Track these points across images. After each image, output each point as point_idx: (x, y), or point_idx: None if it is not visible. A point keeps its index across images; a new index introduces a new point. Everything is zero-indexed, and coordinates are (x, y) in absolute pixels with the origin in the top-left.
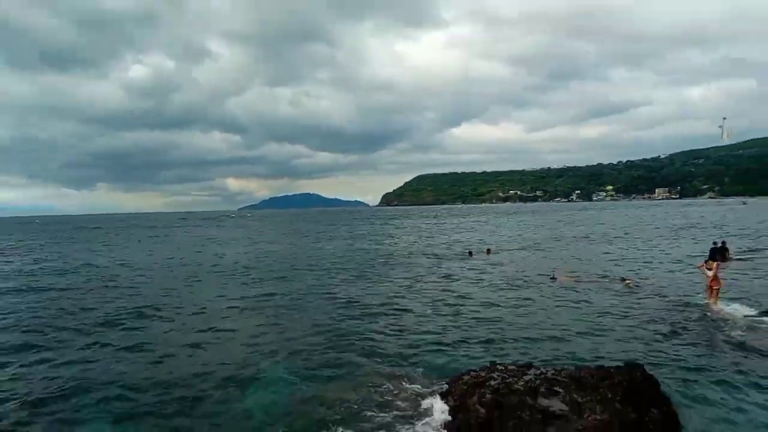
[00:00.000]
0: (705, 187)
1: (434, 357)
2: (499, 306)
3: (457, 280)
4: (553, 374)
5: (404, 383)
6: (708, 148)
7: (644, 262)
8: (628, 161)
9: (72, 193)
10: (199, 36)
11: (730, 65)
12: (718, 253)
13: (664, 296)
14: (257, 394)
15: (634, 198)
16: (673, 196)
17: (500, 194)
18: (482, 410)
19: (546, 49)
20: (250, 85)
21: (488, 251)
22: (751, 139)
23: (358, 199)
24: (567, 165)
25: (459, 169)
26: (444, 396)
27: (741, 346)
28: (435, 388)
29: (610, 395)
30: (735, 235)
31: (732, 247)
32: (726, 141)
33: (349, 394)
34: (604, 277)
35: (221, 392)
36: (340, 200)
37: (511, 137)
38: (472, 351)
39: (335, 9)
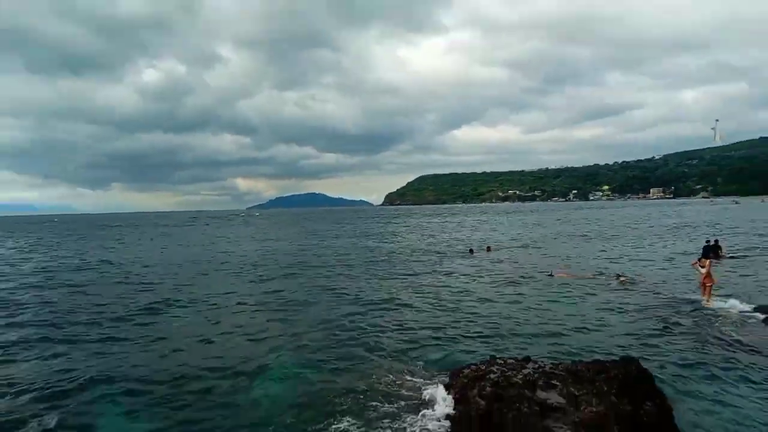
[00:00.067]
0: (698, 187)
1: (436, 351)
2: (498, 302)
3: (459, 276)
4: (550, 368)
5: (407, 376)
6: (701, 149)
7: (639, 260)
8: (623, 162)
9: (88, 192)
10: (210, 42)
11: (721, 69)
12: (711, 251)
13: (659, 293)
14: (265, 385)
15: (629, 198)
16: (667, 196)
17: (500, 194)
18: (482, 402)
19: (543, 54)
20: (259, 88)
21: (488, 249)
22: (743, 141)
23: (363, 199)
24: (564, 166)
25: (459, 170)
26: (446, 388)
27: (733, 341)
28: (437, 380)
29: (605, 388)
30: (727, 234)
31: (725, 245)
32: (718, 142)
33: (354, 385)
34: (600, 274)
35: (231, 384)
36: (344, 200)
37: (510, 139)
38: (473, 345)
39: (340, 16)
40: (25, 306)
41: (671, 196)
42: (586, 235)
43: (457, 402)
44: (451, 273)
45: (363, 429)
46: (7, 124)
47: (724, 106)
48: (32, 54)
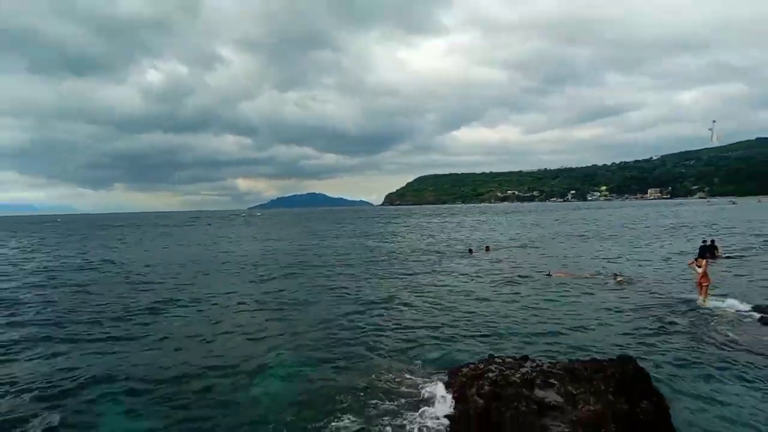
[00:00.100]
0: (695, 187)
1: (435, 350)
2: (496, 301)
3: (458, 276)
4: (548, 367)
5: (406, 375)
6: (698, 150)
7: (636, 260)
8: (621, 162)
9: (89, 192)
10: (211, 43)
11: (720, 70)
12: (708, 251)
13: (655, 292)
14: (266, 384)
15: (627, 198)
16: (664, 196)
17: (498, 194)
18: (481, 401)
19: (542, 55)
20: (260, 89)
21: (487, 249)
22: (740, 141)
23: (363, 199)
24: (563, 166)
25: (459, 170)
26: (445, 387)
27: (729, 341)
28: (436, 379)
29: (603, 387)
30: (724, 234)
31: (721, 246)
32: (716, 143)
33: (354, 384)
34: (598, 273)
35: (232, 383)
36: (345, 200)
37: (510, 139)
38: (471, 344)
39: (340, 17)
40: (27, 305)
41: (668, 196)
42: (583, 235)
43: (456, 400)
44: (450, 273)
45: (363, 426)
46: (9, 124)
47: (723, 107)
48: (34, 54)
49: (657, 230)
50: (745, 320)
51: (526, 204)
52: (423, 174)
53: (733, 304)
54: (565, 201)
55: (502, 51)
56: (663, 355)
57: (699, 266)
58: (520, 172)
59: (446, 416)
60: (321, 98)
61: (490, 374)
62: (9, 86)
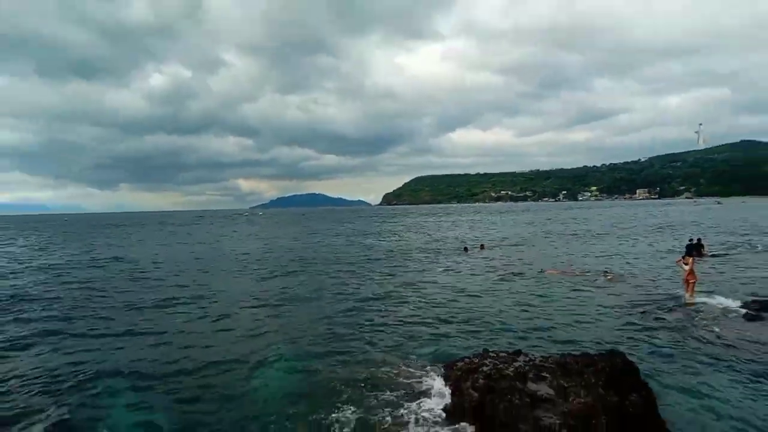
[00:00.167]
0: (682, 188)
1: (431, 344)
2: (491, 297)
3: (453, 273)
4: (540, 361)
5: (404, 368)
6: (685, 152)
7: (625, 257)
8: (611, 164)
9: (96, 192)
10: (214, 47)
11: (705, 76)
12: (694, 249)
13: (644, 289)
14: (268, 378)
15: (616, 198)
16: (652, 197)
17: (493, 194)
18: (475, 394)
19: (536, 61)
20: (262, 92)
21: (482, 247)
22: (725, 144)
23: (361, 199)
24: (554, 167)
25: (454, 171)
26: (441, 380)
27: (715, 335)
28: (432, 373)
29: (593, 380)
30: (710, 233)
31: (707, 244)
32: (702, 145)
33: (353, 377)
34: (588, 270)
35: (234, 377)
36: (344, 200)
37: (504, 141)
38: (466, 339)
39: (341, 23)
40: (36, 301)
41: (656, 196)
42: (575, 234)
43: (452, 393)
44: (446, 270)
45: (363, 416)
46: (19, 126)
47: (708, 111)
48: (41, 57)
49: (645, 229)
50: (730, 316)
51: (519, 204)
52: (420, 175)
53: (718, 300)
54: (557, 201)
55: (497, 56)
56: (651, 349)
57: (686, 264)
58: (514, 173)
59: (442, 408)
60: (322, 101)
61: (485, 368)
62: (19, 89)
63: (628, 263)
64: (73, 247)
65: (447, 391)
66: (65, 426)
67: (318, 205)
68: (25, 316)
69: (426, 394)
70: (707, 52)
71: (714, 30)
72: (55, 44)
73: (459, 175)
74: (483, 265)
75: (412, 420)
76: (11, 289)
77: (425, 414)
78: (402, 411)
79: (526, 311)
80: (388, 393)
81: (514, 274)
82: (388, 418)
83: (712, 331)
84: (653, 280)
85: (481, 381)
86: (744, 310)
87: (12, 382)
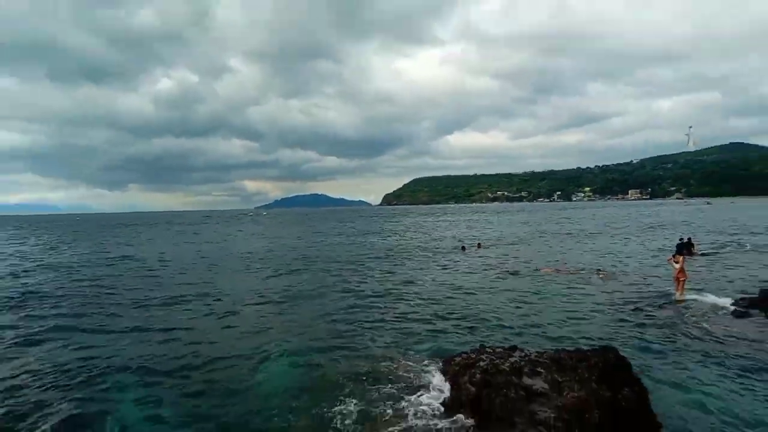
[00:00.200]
0: (673, 188)
1: (430, 340)
2: (488, 294)
3: (451, 271)
4: (535, 356)
5: (404, 363)
6: (676, 154)
7: (618, 256)
8: (603, 165)
9: (106, 193)
10: (221, 54)
11: (695, 80)
12: (685, 248)
13: (635, 286)
14: (272, 372)
15: (609, 198)
16: (644, 197)
17: (489, 195)
18: (472, 388)
19: (532, 66)
20: (266, 97)
21: (479, 246)
22: (714, 146)
23: (362, 199)
24: (549, 169)
25: (452, 173)
26: (439, 375)
27: (704, 331)
28: (431, 367)
29: (586, 375)
30: (700, 233)
31: (697, 243)
32: (692, 147)
33: (355, 371)
34: (582, 269)
35: (239, 371)
36: (345, 200)
37: (500, 144)
38: (464, 335)
39: (341, 30)
40: (47, 299)
41: (648, 197)
42: (569, 233)
43: (450, 387)
44: (445, 268)
45: (365, 408)
46: (31, 129)
47: (698, 114)
48: (53, 63)
49: (637, 229)
50: (720, 313)
51: (515, 204)
52: (418, 176)
53: (708, 297)
54: (551, 201)
55: (494, 62)
56: (643, 345)
57: (676, 262)
58: (510, 174)
59: (441, 402)
60: (323, 105)
61: (482, 363)
62: (29, 93)
63: (620, 262)
64: (84, 246)
65: (445, 385)
66: (76, 419)
67: (320, 206)
68: (36, 313)
69: (425, 388)
70: (698, 57)
71: (705, 36)
72: (66, 50)
73: (456, 176)
74: (480, 264)
75: (412, 413)
76: (23, 286)
77: (424, 407)
78: (402, 404)
79: (522, 308)
80: (389, 387)
81: (510, 273)
82: (389, 411)
83: (702, 328)
84: (645, 278)
85: (478, 376)
86: (733, 308)
87: (25, 376)
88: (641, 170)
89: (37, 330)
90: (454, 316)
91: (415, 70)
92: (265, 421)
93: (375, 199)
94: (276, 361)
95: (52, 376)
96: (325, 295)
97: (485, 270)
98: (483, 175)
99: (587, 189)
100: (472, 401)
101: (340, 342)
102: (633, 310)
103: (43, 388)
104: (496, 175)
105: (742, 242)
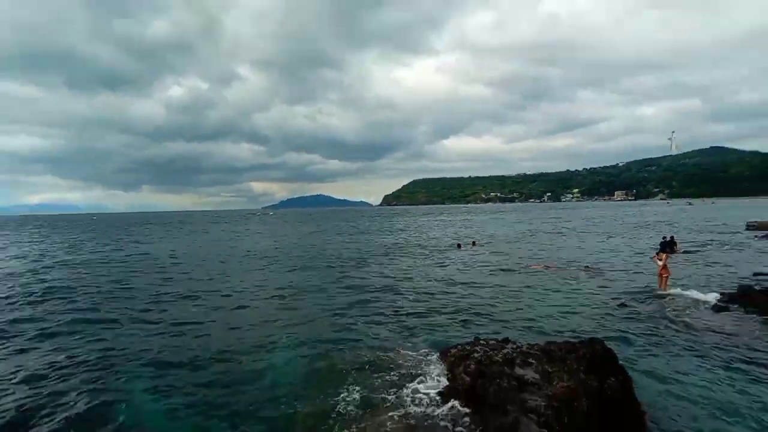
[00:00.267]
0: (656, 190)
1: (427, 333)
2: (482, 289)
3: (447, 268)
4: (527, 348)
5: (403, 353)
6: (659, 157)
7: (604, 253)
8: (591, 168)
9: (121, 194)
10: (229, 62)
11: (677, 88)
12: (668, 246)
13: (621, 282)
14: (279, 363)
15: (596, 199)
16: (629, 198)
17: (483, 196)
18: (467, 378)
19: (522, 74)
20: (273, 103)
21: (474, 243)
22: (696, 150)
23: (363, 200)
24: (540, 171)
25: (448, 175)
26: (436, 365)
27: (686, 325)
28: (428, 358)
29: (575, 366)
30: (682, 232)
31: (679, 242)
32: (674, 151)
33: (357, 361)
34: (570, 265)
35: (247, 362)
36: (347, 201)
37: (493, 147)
38: (459, 328)
39: (343, 40)
40: (65, 294)
41: (633, 198)
42: (558, 232)
43: (447, 377)
44: (441, 265)
45: (367, 396)
46: (50, 133)
47: (680, 120)
48: (72, 72)
49: (623, 228)
50: (700, 307)
51: (507, 205)
52: (416, 178)
53: (690, 293)
54: (542, 202)
55: (487, 71)
56: (628, 337)
57: (660, 259)
58: (503, 176)
59: (438, 391)
60: (326, 111)
61: (476, 354)
62: (48, 100)
63: (607, 259)
64: (100, 244)
65: (442, 375)
66: (91, 408)
67: (323, 206)
68: (55, 307)
69: (423, 377)
70: (679, 66)
71: (686, 47)
72: (83, 59)
73: (452, 178)
74: (474, 261)
75: (411, 400)
76: (43, 282)
77: (422, 395)
78: (402, 392)
79: (514, 302)
80: (389, 376)
81: (503, 269)
82: (390, 398)
83: (684, 322)
84: (630, 274)
85: (472, 366)
86: (713, 302)
87: (44, 367)
88: (627, 173)
89: (55, 323)
90: (450, 309)
91: (413, 79)
92: (273, 408)
93: (375, 199)
94: (283, 351)
95: (69, 368)
96: (328, 290)
97: (479, 266)
98: (477, 177)
99: (576, 190)
100: (467, 390)
101: (343, 334)
102: (619, 304)
103: (61, 378)
104: (490, 177)
105: (721, 241)
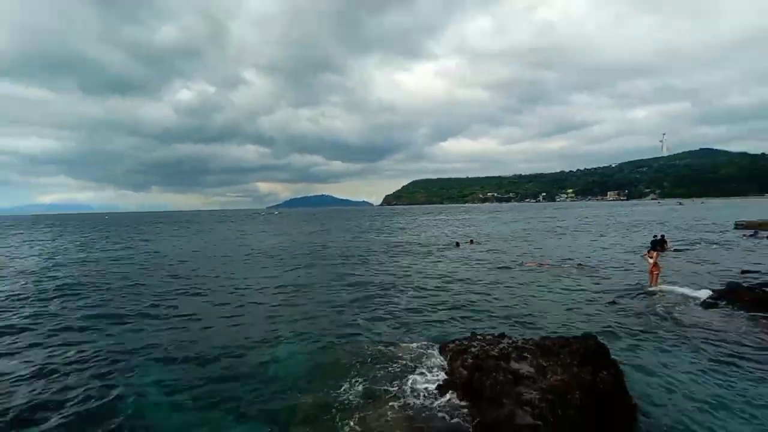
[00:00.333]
0: (648, 190)
1: (426, 328)
2: (479, 286)
3: (446, 265)
4: (522, 342)
5: (403, 347)
6: (651, 159)
7: (597, 251)
8: (585, 169)
9: (131, 194)
10: (236, 67)
11: (668, 91)
12: (658, 245)
13: (613, 279)
14: (284, 356)
15: (589, 199)
16: (621, 198)
17: (480, 196)
18: (465, 372)
19: (518, 78)
20: (278, 106)
21: (471, 242)
22: (686, 151)
23: (365, 200)
24: (535, 172)
25: (446, 176)
26: (435, 359)
27: (675, 321)
28: (427, 352)
29: (569, 360)
30: (672, 230)
31: (670, 240)
32: (665, 153)
33: (359, 354)
34: (564, 263)
35: (252, 356)
36: (349, 200)
37: (490, 149)
38: (457, 323)
39: (346, 45)
40: (77, 291)
41: (625, 198)
42: (553, 231)
43: (445, 371)
44: (440, 262)
45: (369, 388)
46: (63, 135)
47: (671, 123)
48: (84, 76)
49: (615, 227)
50: (690, 304)
51: (504, 204)
52: (416, 179)
53: (679, 289)
54: (537, 202)
55: (484, 75)
56: (620, 332)
57: (651, 257)
58: (499, 177)
59: (436, 385)
60: (329, 114)
61: (473, 349)
62: (62, 103)
63: (599, 256)
64: (111, 242)
65: (440, 369)
66: (101, 401)
67: (326, 206)
68: (66, 304)
69: (422, 371)
70: (669, 71)
71: (676, 51)
72: (95, 64)
73: (451, 179)
74: (472, 258)
75: (410, 393)
76: (56, 280)
77: (421, 388)
78: (402, 385)
79: (510, 299)
80: (390, 370)
81: (499, 267)
82: (391, 390)
83: (674, 318)
84: (622, 272)
85: (469, 360)
86: (702, 299)
87: (57, 361)
88: (619, 173)
89: (66, 319)
90: (448, 305)
91: (413, 82)
92: (278, 400)
93: (376, 199)
94: (287, 346)
95: (79, 363)
96: (331, 287)
97: (477, 264)
98: (475, 178)
99: (570, 190)
100: (465, 383)
101: (346, 329)
102: (611, 301)
103: (72, 371)
104: (487, 177)
105: (710, 239)
